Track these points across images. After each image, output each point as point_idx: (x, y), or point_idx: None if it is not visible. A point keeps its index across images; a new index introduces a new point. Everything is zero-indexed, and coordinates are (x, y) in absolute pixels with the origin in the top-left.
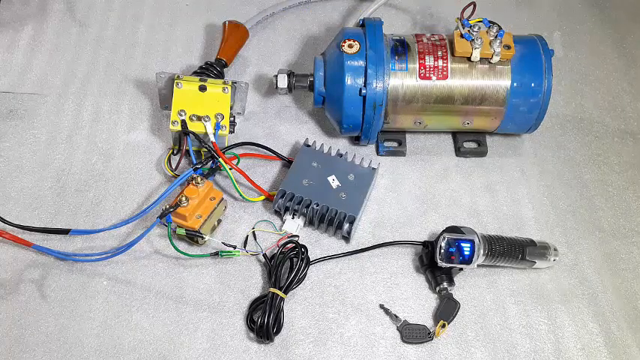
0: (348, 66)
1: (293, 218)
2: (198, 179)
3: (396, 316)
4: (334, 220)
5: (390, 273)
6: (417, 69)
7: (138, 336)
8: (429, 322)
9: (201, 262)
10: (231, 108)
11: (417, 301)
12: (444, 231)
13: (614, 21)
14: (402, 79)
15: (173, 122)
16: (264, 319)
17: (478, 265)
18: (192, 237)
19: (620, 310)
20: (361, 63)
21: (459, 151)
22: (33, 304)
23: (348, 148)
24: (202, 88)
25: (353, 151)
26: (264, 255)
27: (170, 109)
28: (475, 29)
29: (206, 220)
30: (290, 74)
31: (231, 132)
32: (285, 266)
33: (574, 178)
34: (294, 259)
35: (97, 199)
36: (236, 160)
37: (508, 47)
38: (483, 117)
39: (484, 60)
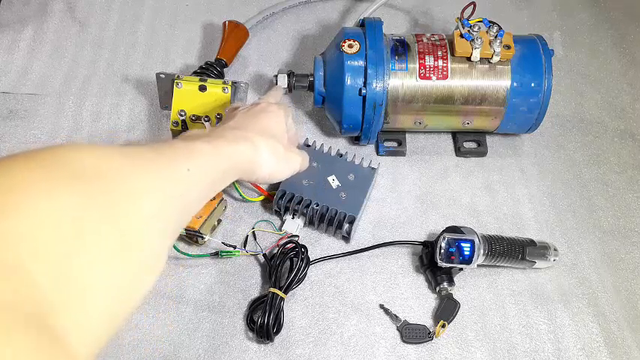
0: (348, 66)
1: (293, 218)
2: None
3: (396, 316)
4: (334, 220)
5: (390, 273)
6: (417, 69)
7: (138, 336)
8: (429, 322)
9: (201, 262)
10: None
11: (417, 301)
12: (444, 231)
13: (614, 21)
14: (402, 79)
15: (173, 122)
16: (264, 319)
17: (478, 265)
18: (192, 237)
19: (620, 310)
20: (361, 63)
21: (458, 151)
22: None
23: (348, 148)
24: (202, 88)
25: (353, 151)
26: (264, 255)
27: (170, 109)
28: (475, 29)
29: (206, 220)
30: (290, 74)
31: None
32: (285, 266)
33: (574, 178)
34: (294, 259)
35: None
36: None
37: (508, 47)
38: (483, 117)
39: (484, 60)
